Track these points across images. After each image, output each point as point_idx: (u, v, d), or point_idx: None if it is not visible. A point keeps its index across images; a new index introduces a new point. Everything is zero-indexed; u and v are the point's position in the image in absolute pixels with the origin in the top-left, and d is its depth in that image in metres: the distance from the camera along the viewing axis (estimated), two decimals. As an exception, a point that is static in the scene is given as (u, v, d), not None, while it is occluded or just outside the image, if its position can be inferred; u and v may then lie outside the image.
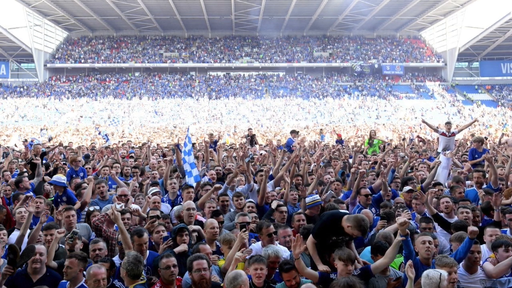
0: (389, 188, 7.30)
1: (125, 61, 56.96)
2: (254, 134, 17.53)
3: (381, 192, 7.19)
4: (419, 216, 6.12)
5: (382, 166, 9.07)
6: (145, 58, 57.45)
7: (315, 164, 8.99)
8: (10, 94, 53.92)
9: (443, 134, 11.61)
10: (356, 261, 4.29)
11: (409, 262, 3.99)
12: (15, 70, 58.50)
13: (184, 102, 51.94)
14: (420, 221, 5.59)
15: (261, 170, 7.81)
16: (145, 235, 4.95)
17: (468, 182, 8.21)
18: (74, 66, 57.01)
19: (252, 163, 9.26)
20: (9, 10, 56.18)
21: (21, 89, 55.20)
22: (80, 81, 57.29)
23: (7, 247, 4.62)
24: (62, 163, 10.36)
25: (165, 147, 15.98)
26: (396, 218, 4.62)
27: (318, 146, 14.65)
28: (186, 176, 8.00)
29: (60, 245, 5.21)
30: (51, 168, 9.96)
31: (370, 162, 10.15)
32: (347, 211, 5.04)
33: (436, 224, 5.70)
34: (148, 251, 5.01)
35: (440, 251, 5.11)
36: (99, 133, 26.45)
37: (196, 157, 9.90)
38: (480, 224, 5.79)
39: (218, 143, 13.65)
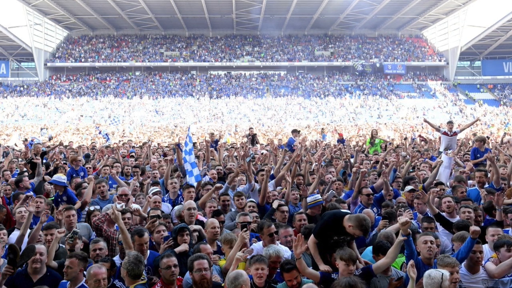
0: (390, 188, 7.28)
1: (126, 60, 56.94)
2: (255, 134, 17.50)
3: (382, 191, 7.16)
4: (421, 215, 6.09)
5: (383, 165, 9.04)
6: (146, 57, 57.42)
7: (317, 163, 8.96)
8: (10, 93, 53.91)
9: (445, 133, 11.56)
10: (357, 261, 4.28)
11: (411, 262, 3.97)
12: (15, 69, 58.52)
13: (185, 101, 51.92)
14: (422, 221, 5.57)
15: (262, 170, 7.79)
16: (146, 234, 4.94)
17: (470, 182, 8.17)
18: (75, 65, 57.01)
19: (253, 163, 9.24)
20: (9, 9, 56.28)
21: (21, 88, 55.20)
22: (80, 80, 57.28)
23: (7, 247, 4.60)
24: (62, 162, 10.36)
25: (166, 147, 15.97)
26: (398, 218, 4.60)
27: (319, 146, 14.61)
28: (187, 176, 7.99)
29: (61, 245, 5.20)
30: (51, 168, 9.96)
31: (371, 162, 10.13)
32: (348, 211, 5.02)
33: (438, 224, 5.67)
34: (148, 251, 5.00)
35: (442, 251, 5.10)
36: (100, 133, 26.47)
37: (197, 157, 9.90)
38: (482, 224, 5.78)
39: (219, 143, 13.64)
